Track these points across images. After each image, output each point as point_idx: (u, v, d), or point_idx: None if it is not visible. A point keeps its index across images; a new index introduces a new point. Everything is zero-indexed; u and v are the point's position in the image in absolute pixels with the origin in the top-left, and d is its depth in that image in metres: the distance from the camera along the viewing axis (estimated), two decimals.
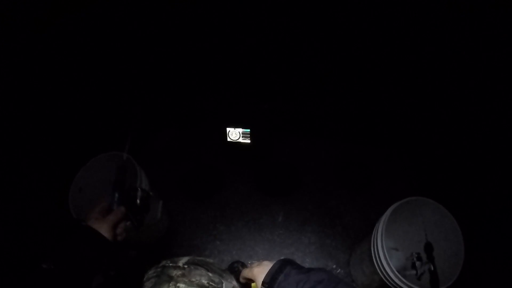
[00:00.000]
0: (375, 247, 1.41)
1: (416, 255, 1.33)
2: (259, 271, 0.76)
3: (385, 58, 2.01)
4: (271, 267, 0.75)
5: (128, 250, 1.56)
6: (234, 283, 0.75)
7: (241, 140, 1.98)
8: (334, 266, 1.96)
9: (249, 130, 1.95)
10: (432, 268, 1.27)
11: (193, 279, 0.66)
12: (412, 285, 1.28)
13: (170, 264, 0.69)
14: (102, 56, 2.12)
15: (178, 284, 0.64)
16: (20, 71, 1.96)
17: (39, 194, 1.93)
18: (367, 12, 1.79)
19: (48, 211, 1.82)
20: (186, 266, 0.69)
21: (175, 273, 0.67)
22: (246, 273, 0.81)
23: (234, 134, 1.96)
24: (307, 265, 1.92)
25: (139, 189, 1.06)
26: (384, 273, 1.37)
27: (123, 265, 0.82)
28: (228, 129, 1.95)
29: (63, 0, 1.90)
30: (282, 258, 0.78)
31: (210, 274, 0.68)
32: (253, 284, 0.82)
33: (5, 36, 1.83)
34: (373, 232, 1.47)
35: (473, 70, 1.83)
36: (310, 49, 2.08)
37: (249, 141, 1.99)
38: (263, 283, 0.74)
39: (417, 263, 1.30)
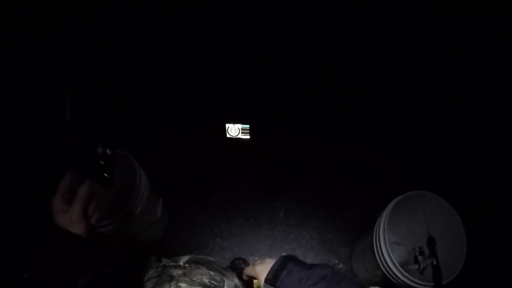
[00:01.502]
0: (377, 241, 1.41)
1: (418, 250, 1.32)
2: (262, 269, 0.76)
3: (384, 53, 1.99)
4: (274, 264, 0.74)
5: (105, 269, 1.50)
6: (236, 280, 0.74)
7: (240, 136, 1.98)
8: (336, 261, 1.96)
9: (248, 125, 1.94)
10: (435, 262, 1.27)
11: (195, 278, 0.65)
12: (414, 280, 1.28)
13: (171, 264, 0.68)
14: (101, 55, 2.10)
15: (179, 284, 0.63)
16: (20, 71, 1.95)
17: (25, 195, 1.92)
18: (367, 10, 1.77)
19: (34, 214, 1.81)
20: (187, 265, 0.68)
21: (176, 272, 0.66)
22: (248, 271, 0.81)
23: (234, 130, 1.95)
24: (309, 260, 1.92)
25: (97, 148, 0.90)
26: (387, 268, 1.37)
27: (107, 261, 0.77)
28: (227, 125, 1.95)
29: (63, 0, 1.89)
30: (284, 254, 0.77)
31: (212, 273, 0.67)
32: (255, 281, 0.82)
33: (5, 36, 1.82)
34: (375, 227, 1.47)
35: (473, 67, 1.81)
36: (309, 45, 2.06)
37: (248, 137, 1.98)
38: (266, 280, 0.73)
39: (420, 258, 1.30)
